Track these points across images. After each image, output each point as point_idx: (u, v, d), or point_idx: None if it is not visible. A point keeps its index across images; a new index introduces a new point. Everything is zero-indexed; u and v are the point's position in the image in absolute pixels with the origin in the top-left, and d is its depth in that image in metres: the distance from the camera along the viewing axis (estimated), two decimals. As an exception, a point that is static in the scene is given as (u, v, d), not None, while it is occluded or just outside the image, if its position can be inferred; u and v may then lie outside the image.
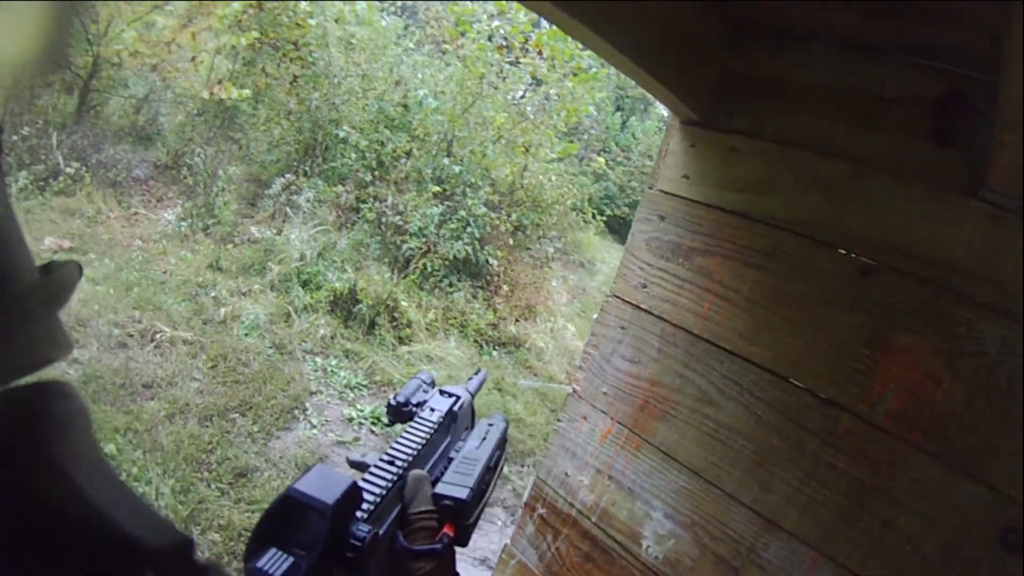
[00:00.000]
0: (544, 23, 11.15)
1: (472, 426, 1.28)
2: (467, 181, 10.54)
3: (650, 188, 1.86)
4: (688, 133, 1.76)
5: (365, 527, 0.83)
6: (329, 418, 6.38)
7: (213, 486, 5.05)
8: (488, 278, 10.23)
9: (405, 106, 11.32)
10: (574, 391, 1.96)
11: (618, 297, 1.87)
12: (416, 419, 1.14)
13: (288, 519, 0.78)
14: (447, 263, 9.67)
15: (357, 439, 6.15)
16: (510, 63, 11.37)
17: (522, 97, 11.84)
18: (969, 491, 1.25)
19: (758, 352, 1.54)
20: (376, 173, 10.68)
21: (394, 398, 1.21)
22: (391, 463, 1.00)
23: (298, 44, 11.88)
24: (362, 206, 10.26)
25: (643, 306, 1.79)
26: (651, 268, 1.78)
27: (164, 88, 12.21)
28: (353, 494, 0.84)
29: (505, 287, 10.44)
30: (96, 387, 5.80)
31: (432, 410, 1.18)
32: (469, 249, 9.84)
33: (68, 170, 10.02)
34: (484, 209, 10.29)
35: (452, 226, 9.88)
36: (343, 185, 10.58)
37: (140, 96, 12.38)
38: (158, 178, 11.21)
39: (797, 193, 1.55)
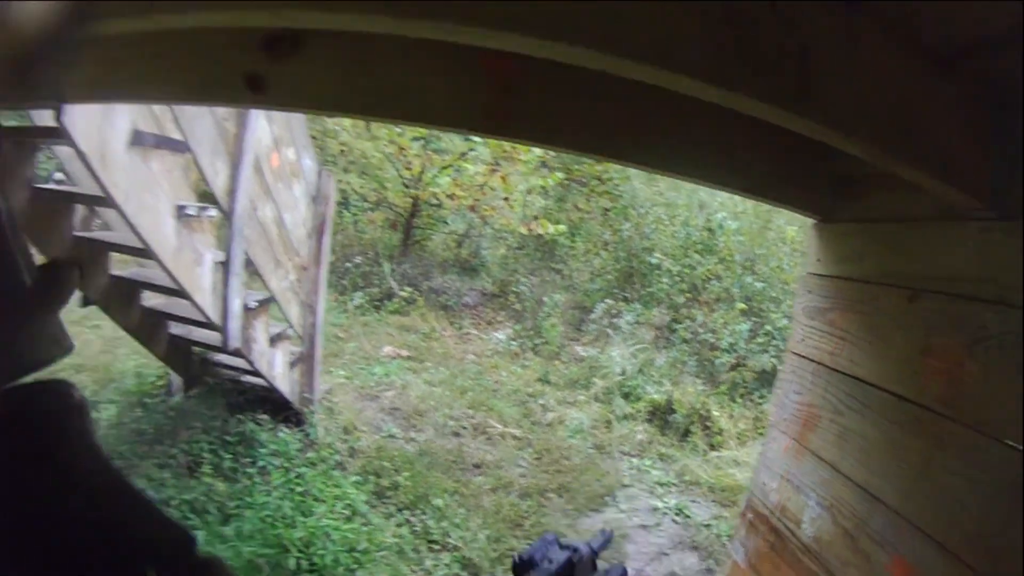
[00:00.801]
0: None
1: None
2: (769, 296, 10.75)
3: (803, 274, 2.60)
4: (816, 229, 2.49)
5: None
6: (636, 507, 6.77)
7: (523, 542, 5.63)
8: (795, 390, 10.08)
9: (709, 230, 11.71)
10: (771, 423, 2.69)
11: (791, 352, 2.60)
12: (535, 570, 1.24)
13: None
14: (756, 375, 9.82)
15: (658, 524, 6.51)
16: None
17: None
18: (995, 451, 1.54)
19: (862, 371, 2.11)
20: (688, 295, 11.14)
21: (519, 556, 1.29)
22: None
23: (602, 179, 12.75)
24: (677, 326, 10.73)
25: (803, 354, 2.48)
26: (805, 327, 2.50)
27: (482, 225, 13.19)
28: None
29: (812, 398, 10.20)
30: (430, 460, 6.80)
31: (550, 561, 1.27)
32: (776, 361, 9.85)
33: (402, 293, 11.46)
34: (787, 322, 10.18)
35: (759, 340, 10.09)
36: (659, 307, 11.09)
37: (460, 232, 13.78)
38: (486, 304, 12.37)
39: (873, 254, 2.18)
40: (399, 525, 5.68)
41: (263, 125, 4.77)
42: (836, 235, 2.38)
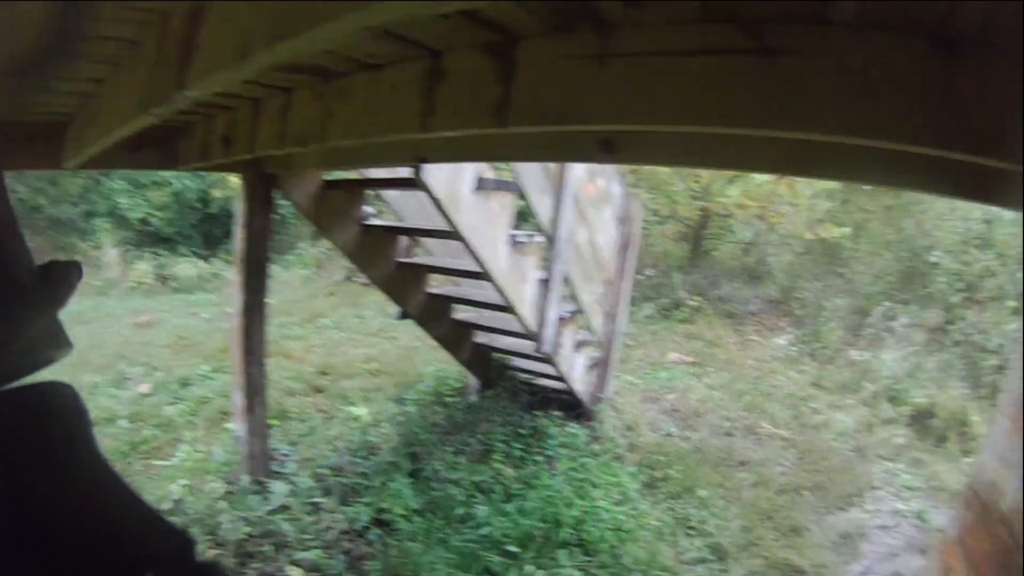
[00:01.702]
0: None
1: None
2: None
3: None
4: None
5: None
6: (881, 508, 7.03)
7: (771, 533, 6.14)
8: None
9: (987, 221, 11.38)
10: (998, 407, 2.62)
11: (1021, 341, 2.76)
12: None
13: None
14: None
15: (896, 526, 6.71)
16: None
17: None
18: None
19: None
20: (964, 295, 10.90)
21: None
22: None
23: None
24: (949, 327, 10.56)
25: None
26: None
27: (769, 232, 13.52)
28: None
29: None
30: (701, 456, 7.38)
31: None
32: None
33: (690, 303, 12.08)
34: None
35: None
36: (934, 308, 10.93)
37: (748, 240, 14.20)
38: (769, 311, 12.64)
39: None
40: (664, 512, 6.22)
41: None
42: None
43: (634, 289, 10.82)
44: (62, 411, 0.72)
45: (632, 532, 5.75)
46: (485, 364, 7.51)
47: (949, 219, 11.91)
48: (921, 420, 8.90)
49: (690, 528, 6.05)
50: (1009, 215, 10.75)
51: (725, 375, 9.89)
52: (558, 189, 5.35)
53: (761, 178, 11.93)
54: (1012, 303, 10.21)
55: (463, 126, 2.28)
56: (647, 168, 12.21)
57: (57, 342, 0.76)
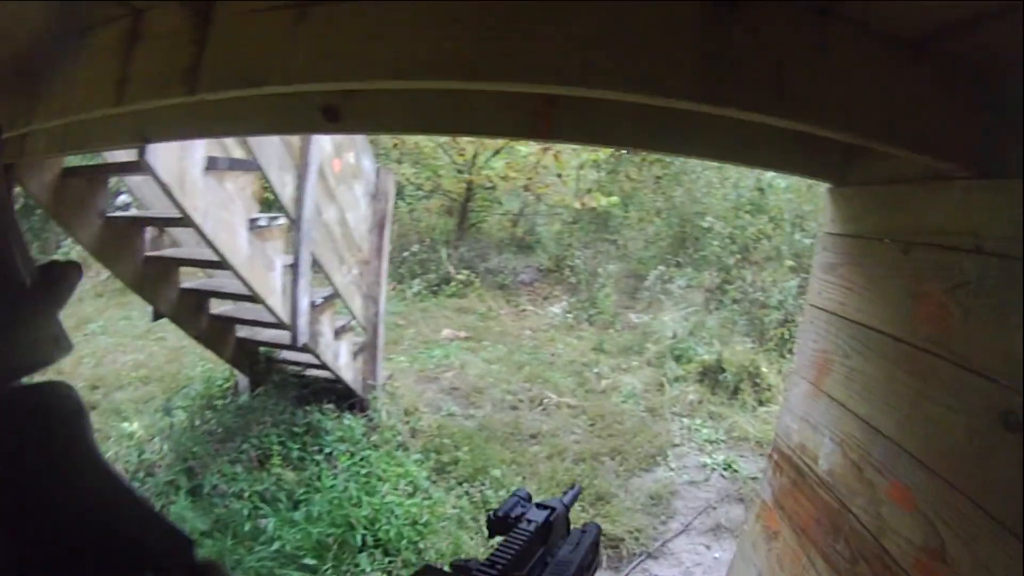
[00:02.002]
0: None
1: (567, 535, 1.35)
2: None
3: (820, 233, 2.79)
4: (830, 193, 2.66)
5: None
6: (686, 464, 7.11)
7: (577, 504, 5.83)
8: (843, 342, 10.06)
9: (760, 189, 11.79)
10: (791, 371, 2.92)
11: (809, 305, 2.78)
12: (515, 530, 1.21)
13: None
14: None
15: (707, 480, 6.75)
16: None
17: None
18: (975, 384, 1.66)
19: (865, 317, 2.27)
20: (739, 256, 11.24)
21: (494, 513, 1.29)
22: (491, 566, 1.05)
23: None
24: (728, 287, 10.85)
25: (819, 306, 2.65)
26: (821, 281, 2.67)
27: (536, 203, 13.65)
28: None
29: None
30: (488, 434, 7.16)
31: (529, 521, 1.25)
32: None
33: (458, 276, 11.98)
34: None
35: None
36: (709, 270, 11.23)
37: (515, 211, 14.24)
38: (542, 280, 12.75)
39: (874, 213, 2.37)
40: (459, 497, 5.98)
41: (325, 136, 5.13)
42: (845, 197, 2.56)
43: (401, 266, 12.00)
44: (62, 411, 0.66)
45: (430, 524, 5.54)
46: (252, 360, 6.96)
47: (720, 187, 12.34)
48: (711, 375, 8.96)
49: (491, 511, 5.57)
50: (782, 182, 11.39)
51: (502, 348, 9.78)
52: (302, 166, 5.03)
53: (526, 149, 11.98)
54: (789, 262, 10.60)
55: (154, 95, 2.04)
56: (410, 141, 12.31)
57: (57, 342, 0.72)
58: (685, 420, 8.00)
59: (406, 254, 12.31)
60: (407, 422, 7.12)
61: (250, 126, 2.93)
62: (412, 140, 12.14)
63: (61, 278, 0.75)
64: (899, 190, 2.19)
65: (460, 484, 6.22)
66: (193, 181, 3.90)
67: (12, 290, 0.67)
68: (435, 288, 11.95)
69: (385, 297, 7.49)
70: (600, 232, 13.50)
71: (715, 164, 12.05)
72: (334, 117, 2.32)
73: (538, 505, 1.33)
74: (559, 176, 12.38)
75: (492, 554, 1.09)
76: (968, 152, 1.77)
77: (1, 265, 0.67)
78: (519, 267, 12.94)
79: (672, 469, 7.02)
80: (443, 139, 11.99)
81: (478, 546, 5.37)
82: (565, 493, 1.48)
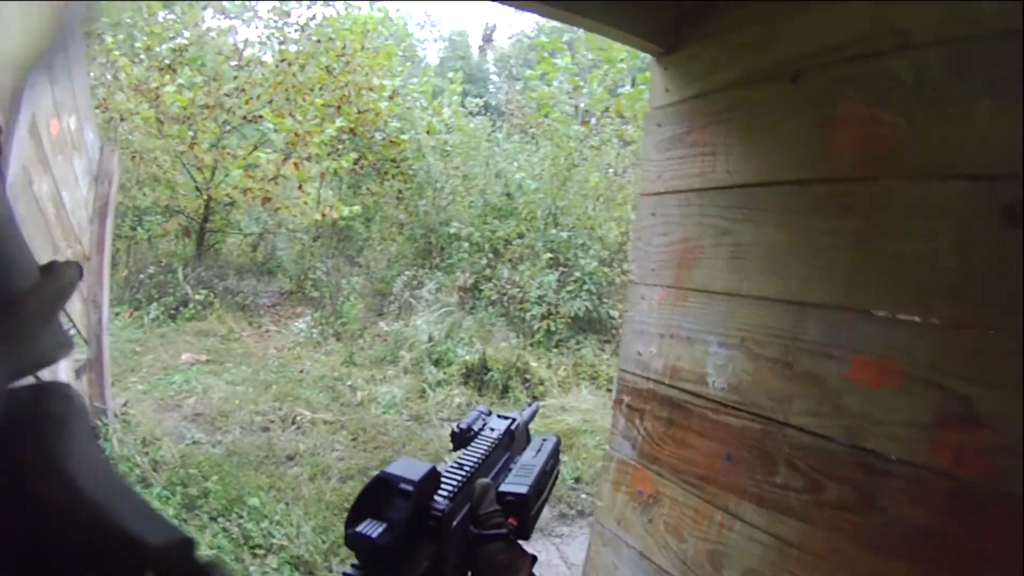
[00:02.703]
0: (620, 89, 11.78)
1: (527, 445, 1.36)
2: (577, 244, 10.89)
3: (648, 112, 2.37)
4: (661, 62, 2.28)
5: (444, 502, 0.93)
6: None
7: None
8: (612, 330, 10.30)
9: (508, 195, 11.87)
10: (631, 281, 2.32)
11: (644, 195, 2.29)
12: (479, 436, 1.23)
13: (380, 496, 0.89)
14: (570, 322, 9.92)
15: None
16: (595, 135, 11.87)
17: (615, 160, 12.24)
18: (961, 188, 1.37)
19: (746, 176, 1.88)
20: (491, 257, 11.20)
21: (457, 426, 1.28)
22: (460, 468, 1.07)
23: (397, 161, 12.71)
24: (483, 286, 10.76)
25: (662, 191, 2.19)
26: (659, 163, 2.24)
27: (277, 227, 13.40)
28: (433, 477, 0.94)
29: (629, 337, 10.35)
30: (239, 459, 6.34)
31: (492, 429, 1.26)
32: (589, 305, 10.07)
33: (197, 297, 11.24)
34: (596, 264, 10.57)
35: (569, 288, 10.18)
36: (461, 272, 11.12)
37: (255, 233, 13.94)
38: (284, 302, 12.33)
39: (735, 60, 1.98)
40: (214, 535, 5.20)
41: (44, 82, 4.24)
42: (685, 60, 2.21)
43: (138, 291, 11.33)
44: (62, 411, 0.62)
45: None
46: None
47: (466, 195, 12.35)
48: (476, 376, 8.66)
49: (256, 547, 5.11)
50: (532, 183, 11.52)
51: (246, 368, 9.05)
52: (11, 109, 3.90)
53: (267, 157, 11.62)
54: (548, 255, 10.60)
55: None
56: (147, 158, 11.85)
57: (57, 342, 0.67)
58: (455, 424, 7.44)
59: (143, 276, 11.63)
60: (146, 453, 6.20)
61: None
62: (151, 154, 11.70)
63: (60, 277, 0.68)
64: (770, 23, 1.87)
65: (214, 519, 5.39)
66: None
67: (12, 290, 0.61)
68: (173, 312, 11.15)
69: (108, 304, 6.61)
70: (342, 247, 13.36)
71: (459, 173, 12.37)
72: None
73: (499, 416, 1.33)
74: (300, 187, 12.00)
75: (459, 457, 1.13)
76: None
77: (1, 265, 0.62)
78: (260, 290, 12.61)
79: None
80: (182, 149, 11.57)
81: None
82: (523, 410, 1.45)
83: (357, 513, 0.88)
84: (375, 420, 7.59)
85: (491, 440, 1.21)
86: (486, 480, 1.11)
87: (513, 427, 1.30)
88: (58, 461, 0.58)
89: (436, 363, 9.06)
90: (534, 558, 1.14)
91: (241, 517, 5.38)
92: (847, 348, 1.54)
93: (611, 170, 12.04)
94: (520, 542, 1.12)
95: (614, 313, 10.39)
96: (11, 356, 0.60)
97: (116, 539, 0.57)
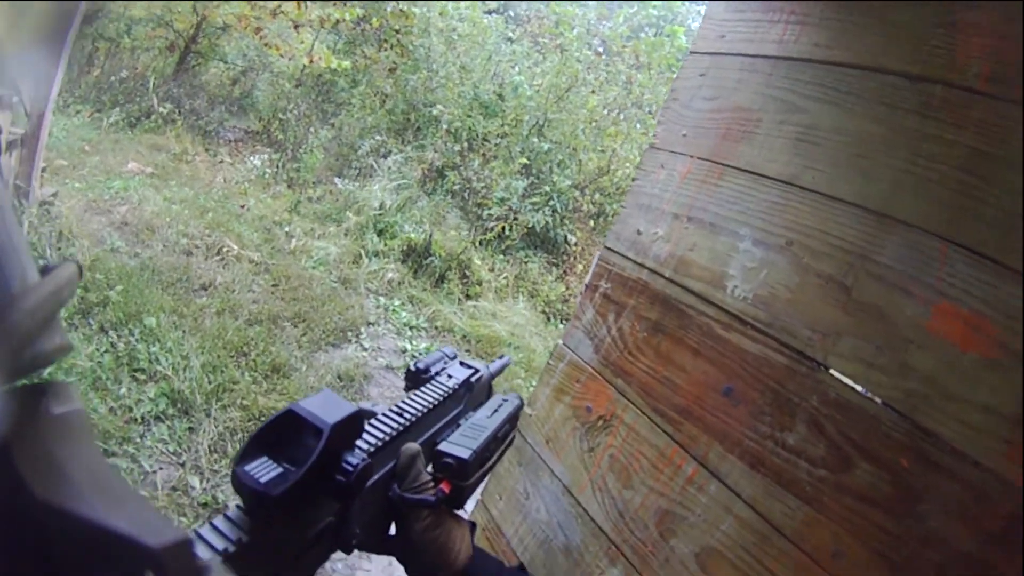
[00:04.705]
0: (642, 32, 11.44)
1: (486, 401, 1.25)
2: (555, 159, 10.57)
3: None
4: None
5: (360, 456, 0.79)
6: (382, 347, 6.31)
7: (247, 374, 4.95)
8: (564, 255, 10.13)
9: (500, 95, 11.48)
10: (652, 145, 1.78)
11: (696, 52, 1.77)
12: (433, 381, 1.14)
13: (285, 433, 0.76)
14: (525, 232, 9.66)
15: (405, 366, 5.94)
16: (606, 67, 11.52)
17: (614, 100, 11.84)
18: None
19: (839, 54, 1.42)
20: (464, 147, 10.86)
21: (414, 364, 1.18)
22: (400, 414, 0.98)
23: (401, 32, 12.24)
24: (448, 172, 10.43)
25: (722, 51, 1.69)
26: (727, 21, 1.72)
27: (263, 67, 13.00)
28: (354, 422, 0.80)
29: (580, 266, 10.24)
30: (151, 276, 5.94)
31: (450, 376, 1.17)
32: (549, 221, 9.80)
33: (161, 110, 10.87)
34: (569, 185, 10.26)
35: (535, 199, 9.88)
36: (432, 152, 10.75)
37: (239, 68, 13.45)
38: (247, 141, 11.74)
39: None
40: (100, 347, 4.81)
41: None
42: None
43: (105, 92, 11.11)
44: (62, 411, 0.59)
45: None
46: None
47: (458, 84, 11.87)
48: (416, 257, 8.41)
49: (137, 370, 4.73)
50: (528, 89, 11.19)
51: (188, 191, 8.64)
52: None
53: None
54: (523, 160, 10.27)
55: None
56: None
57: (56, 342, 0.64)
58: (382, 299, 7.37)
59: (114, 79, 11.29)
60: (59, 248, 5.95)
61: None
62: None
63: (59, 278, 0.67)
64: None
65: (104, 331, 5.03)
66: None
67: (11, 290, 0.61)
68: (134, 121, 10.68)
69: (60, 82, 6.26)
70: (322, 99, 12.70)
71: (458, 62, 12.17)
72: None
73: (462, 363, 1.25)
74: (295, 28, 11.41)
75: (403, 401, 1.05)
76: None
77: (0, 265, 0.61)
78: (227, 124, 12.05)
79: (365, 349, 6.28)
80: None
81: (115, 417, 4.21)
82: (494, 361, 1.38)
83: (254, 447, 0.75)
84: (302, 272, 7.27)
85: (444, 389, 1.12)
86: (414, 446, 0.98)
87: (474, 378, 1.21)
88: (57, 461, 0.55)
89: (380, 233, 8.80)
90: (472, 526, 1.06)
91: (132, 335, 5.03)
92: (933, 288, 1.11)
93: (612, 108, 11.62)
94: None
95: (572, 239, 10.16)
96: (9, 357, 0.58)
97: (115, 539, 0.53)
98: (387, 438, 0.92)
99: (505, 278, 8.87)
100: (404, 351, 6.43)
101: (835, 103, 1.36)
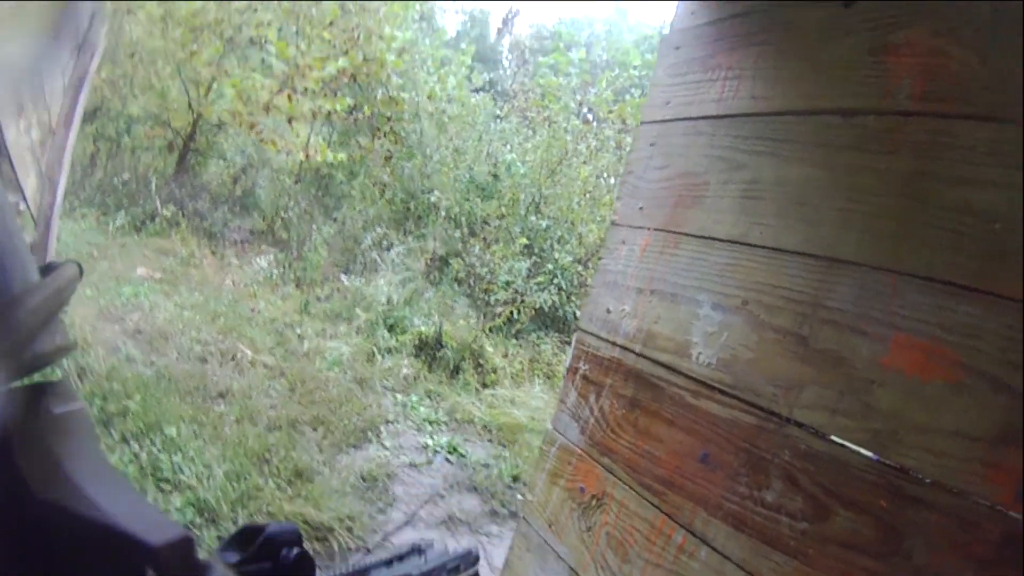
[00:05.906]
0: (627, 94, 11.55)
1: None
2: (555, 236, 10.66)
3: (665, 35, 2.01)
4: None
5: None
6: (403, 444, 6.27)
7: (271, 480, 4.94)
8: (575, 332, 9.97)
9: (495, 175, 11.59)
10: (613, 222, 1.91)
11: (646, 122, 1.89)
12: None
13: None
14: (534, 314, 9.64)
15: (429, 463, 6.05)
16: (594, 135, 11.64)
17: (608, 166, 11.86)
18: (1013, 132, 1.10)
19: (775, 103, 1.52)
20: (465, 233, 10.95)
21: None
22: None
23: (392, 120, 12.40)
24: (452, 260, 10.50)
25: (667, 118, 1.80)
26: (671, 87, 1.85)
27: (261, 163, 13.03)
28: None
29: (592, 342, 10.17)
30: (168, 385, 5.92)
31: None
32: (556, 299, 9.80)
33: (165, 212, 11.00)
34: (571, 260, 10.29)
35: (540, 279, 9.90)
36: (434, 241, 10.86)
37: (238, 165, 13.40)
38: (252, 241, 11.77)
39: None
40: (123, 459, 4.80)
41: None
42: None
43: (109, 195, 11.23)
44: (62, 411, 0.65)
45: None
46: None
47: (453, 168, 12.04)
48: (429, 350, 8.34)
49: (162, 480, 4.70)
50: (521, 167, 11.28)
51: (199, 295, 8.67)
52: None
53: (261, 81, 11.23)
54: (523, 240, 10.35)
55: None
56: (145, 60, 11.62)
57: (57, 342, 0.76)
58: (399, 396, 7.30)
59: (116, 181, 11.51)
60: (74, 358, 5.88)
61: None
62: (150, 55, 11.46)
63: (60, 278, 0.75)
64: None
65: (126, 441, 4.99)
66: None
67: (13, 290, 0.66)
68: (139, 224, 10.90)
69: (65, 187, 6.00)
70: (321, 194, 12.93)
71: (451, 145, 12.25)
72: None
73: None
74: (289, 121, 11.50)
75: None
76: None
77: (2, 266, 0.66)
78: (232, 223, 11.98)
79: (387, 447, 6.21)
80: (182, 57, 11.17)
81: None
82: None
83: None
84: (317, 374, 7.21)
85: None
86: None
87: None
88: (58, 460, 0.58)
89: (390, 328, 8.81)
90: None
91: (154, 445, 4.98)
92: (887, 323, 1.16)
93: (605, 175, 11.70)
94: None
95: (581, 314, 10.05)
96: (11, 356, 0.60)
97: (116, 537, 0.56)
98: None
99: (520, 362, 8.81)
100: (426, 447, 6.39)
101: (774, 153, 1.45)
